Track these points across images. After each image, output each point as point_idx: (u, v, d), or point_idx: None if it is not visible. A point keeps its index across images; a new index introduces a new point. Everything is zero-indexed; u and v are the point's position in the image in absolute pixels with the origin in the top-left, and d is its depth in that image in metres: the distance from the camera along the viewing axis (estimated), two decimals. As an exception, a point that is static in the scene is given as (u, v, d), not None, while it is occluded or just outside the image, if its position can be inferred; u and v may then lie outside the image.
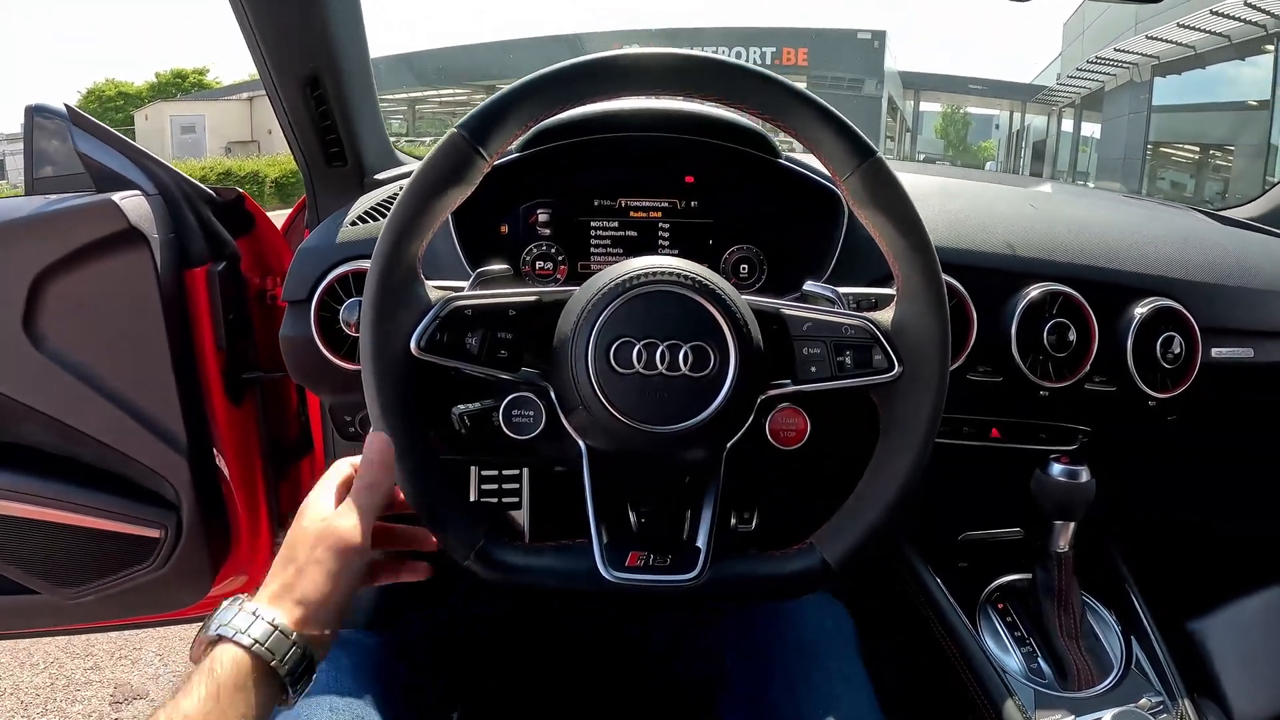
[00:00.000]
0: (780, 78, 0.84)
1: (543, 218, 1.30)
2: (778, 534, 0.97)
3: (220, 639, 0.71)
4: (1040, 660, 1.26)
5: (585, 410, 0.83)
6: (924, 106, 44.12)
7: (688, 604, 1.20)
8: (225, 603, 0.74)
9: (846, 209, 1.20)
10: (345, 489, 0.83)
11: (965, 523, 1.46)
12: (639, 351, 0.81)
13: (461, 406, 0.93)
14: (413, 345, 0.83)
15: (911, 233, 0.86)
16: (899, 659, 1.33)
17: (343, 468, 0.86)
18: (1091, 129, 28.20)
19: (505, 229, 1.31)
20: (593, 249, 1.31)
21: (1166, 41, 18.61)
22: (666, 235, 1.31)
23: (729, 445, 0.87)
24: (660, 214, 1.31)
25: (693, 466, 0.88)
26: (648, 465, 0.92)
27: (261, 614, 0.72)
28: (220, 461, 1.48)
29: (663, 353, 0.81)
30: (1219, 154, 19.48)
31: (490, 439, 0.92)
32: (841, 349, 0.88)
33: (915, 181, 1.39)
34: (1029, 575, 1.36)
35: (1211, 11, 15.18)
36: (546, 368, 0.87)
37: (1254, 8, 13.95)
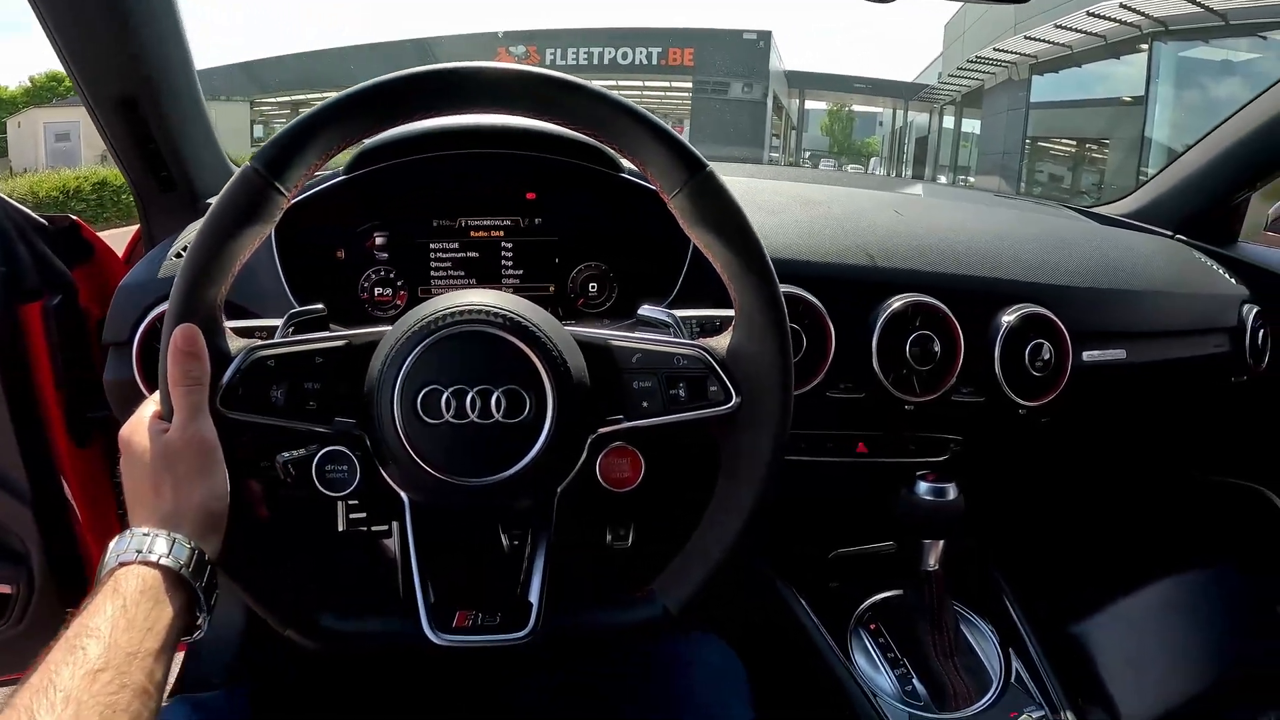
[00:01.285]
0: (599, 88, 0.78)
1: (380, 241, 1.22)
2: (658, 551, 0.90)
3: (121, 565, 0.68)
4: (915, 681, 1.24)
5: (397, 464, 0.78)
6: (809, 105, 45.28)
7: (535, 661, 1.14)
8: (113, 540, 0.70)
9: None
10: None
11: (836, 540, 1.44)
12: (448, 399, 0.76)
13: (285, 454, 0.86)
14: (214, 401, 0.76)
15: (745, 252, 0.80)
16: (785, 693, 1.26)
17: (149, 406, 0.79)
18: (972, 125, 29.20)
19: (342, 254, 1.22)
20: (433, 273, 1.24)
21: (1044, 42, 19.34)
22: (510, 255, 1.24)
23: (560, 490, 0.82)
24: (502, 233, 1.24)
25: (522, 516, 0.85)
26: (474, 517, 0.90)
27: (156, 534, 0.70)
28: (70, 506, 1.39)
29: (473, 399, 0.76)
30: (1095, 148, 20.30)
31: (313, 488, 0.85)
32: (674, 381, 0.82)
33: (775, 190, 1.40)
34: (902, 592, 1.35)
35: (1088, 13, 15.86)
36: (360, 418, 0.81)
37: (1129, 9, 14.50)
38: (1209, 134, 1.66)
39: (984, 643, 1.29)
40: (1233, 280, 1.59)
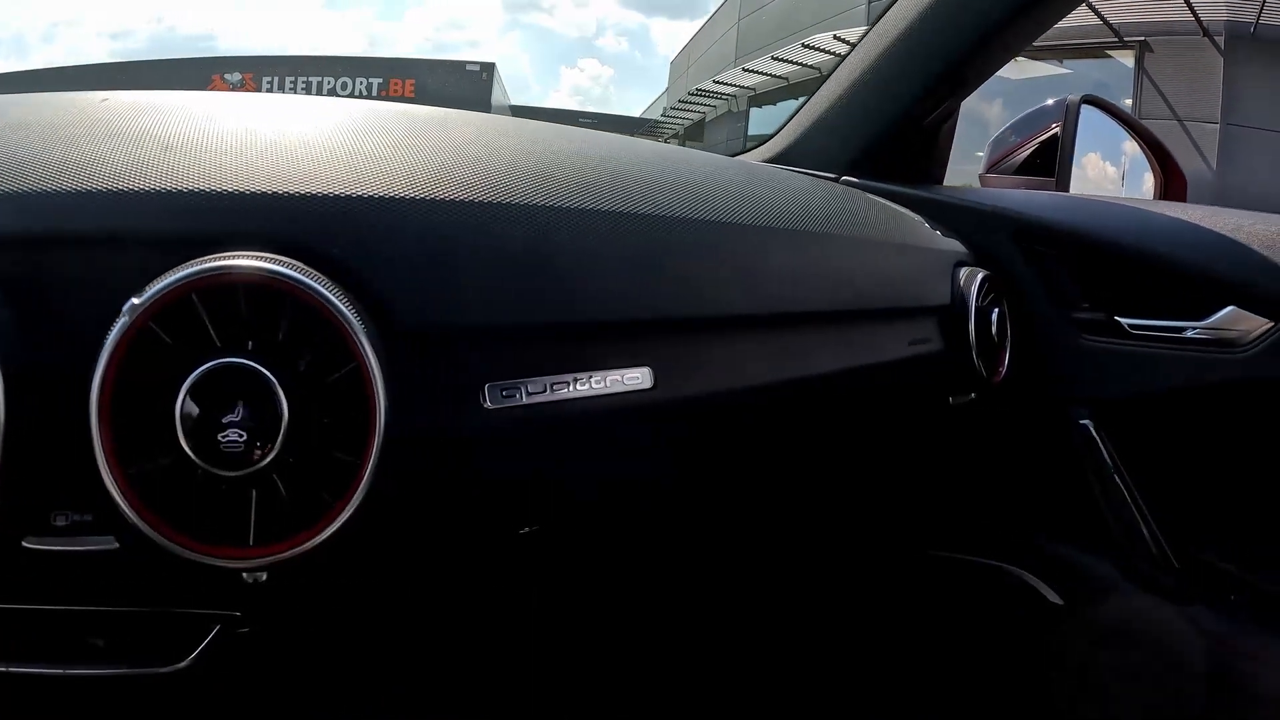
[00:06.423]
0: None
1: None
2: None
3: None
4: None
5: None
6: (537, 139, 45.77)
7: None
8: None
9: None
10: None
11: None
12: None
13: None
14: None
15: None
16: None
17: None
18: (695, 157, 30.47)
19: None
20: None
21: (761, 74, 20.65)
22: None
23: None
24: None
25: None
26: None
27: None
28: None
29: None
30: (811, 176, 21.71)
31: None
32: None
33: None
34: None
35: (803, 45, 16.89)
36: None
37: (841, 40, 15.53)
38: (856, 46, 1.22)
39: None
40: (937, 231, 1.06)
